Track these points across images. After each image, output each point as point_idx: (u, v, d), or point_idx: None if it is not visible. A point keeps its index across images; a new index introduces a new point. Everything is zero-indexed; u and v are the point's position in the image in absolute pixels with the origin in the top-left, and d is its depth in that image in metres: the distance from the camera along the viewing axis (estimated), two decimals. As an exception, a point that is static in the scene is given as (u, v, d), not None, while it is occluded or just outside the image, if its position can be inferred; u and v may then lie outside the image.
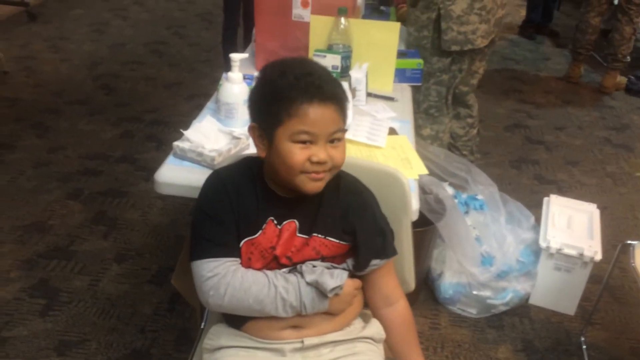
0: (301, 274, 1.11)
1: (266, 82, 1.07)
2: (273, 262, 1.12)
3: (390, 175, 1.26)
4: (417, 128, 2.41)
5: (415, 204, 1.32)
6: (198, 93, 3.79)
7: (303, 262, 1.12)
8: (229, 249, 1.09)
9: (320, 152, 1.03)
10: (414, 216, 1.32)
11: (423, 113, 2.42)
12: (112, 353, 1.89)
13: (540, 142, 3.53)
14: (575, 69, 4.47)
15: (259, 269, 1.11)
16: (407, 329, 1.22)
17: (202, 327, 1.39)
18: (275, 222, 1.11)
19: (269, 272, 1.10)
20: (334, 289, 1.10)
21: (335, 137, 1.05)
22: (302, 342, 1.13)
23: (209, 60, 4.41)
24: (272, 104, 1.04)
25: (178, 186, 1.38)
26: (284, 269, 1.13)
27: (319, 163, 1.04)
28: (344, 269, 1.16)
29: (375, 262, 1.15)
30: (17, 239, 2.39)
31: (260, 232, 1.10)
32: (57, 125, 3.33)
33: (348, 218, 1.14)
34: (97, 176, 2.86)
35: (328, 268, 1.13)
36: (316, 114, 1.02)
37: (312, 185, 1.06)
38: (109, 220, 2.54)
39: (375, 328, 1.21)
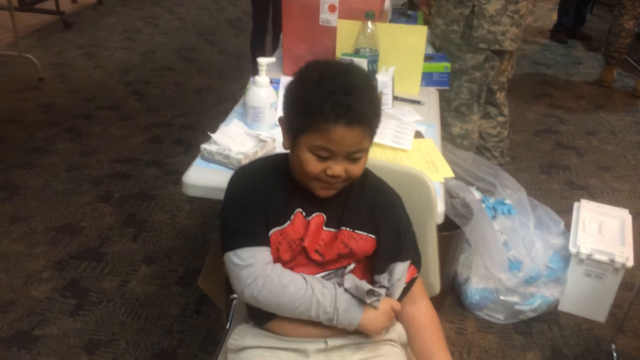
0: (339, 284, 1.11)
1: (301, 86, 1.06)
2: (301, 255, 1.12)
3: (416, 177, 1.26)
4: (446, 126, 2.41)
5: (440, 207, 1.32)
6: (227, 98, 3.84)
7: (335, 258, 1.13)
8: (260, 239, 1.10)
9: (336, 167, 1.05)
10: (440, 219, 1.32)
11: (453, 111, 2.41)
12: (139, 353, 1.92)
13: (571, 147, 3.47)
14: (608, 73, 4.38)
15: (287, 260, 1.12)
16: (434, 327, 1.21)
17: (227, 327, 1.40)
18: (304, 213, 1.12)
19: (307, 275, 1.11)
20: (371, 291, 1.08)
21: (356, 156, 1.06)
22: (326, 342, 1.13)
23: (238, 66, 4.46)
24: (300, 112, 1.04)
25: (205, 188, 1.40)
26: (322, 274, 1.13)
27: (333, 177, 1.05)
28: (381, 286, 1.15)
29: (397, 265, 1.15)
30: (50, 240, 2.45)
31: (288, 222, 1.11)
32: (90, 130, 3.40)
33: (374, 216, 1.15)
34: (127, 179, 2.92)
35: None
36: (339, 135, 1.01)
37: (324, 192, 1.09)
38: (138, 222, 2.59)
39: (399, 330, 1.21)
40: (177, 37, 5.08)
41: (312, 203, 1.12)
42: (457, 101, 2.40)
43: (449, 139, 2.44)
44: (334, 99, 1.00)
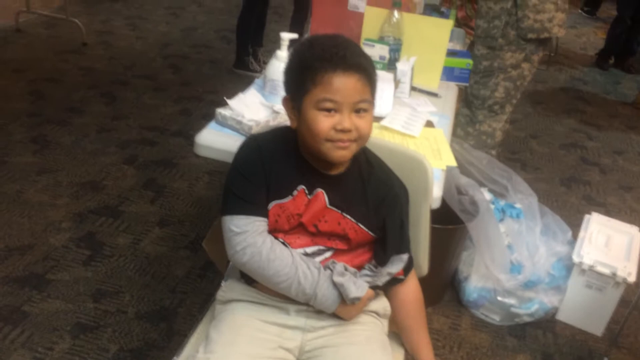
0: (330, 269, 1.15)
1: (296, 55, 1.12)
2: (299, 228, 1.16)
3: (414, 159, 1.29)
4: (477, 123, 2.46)
5: (437, 192, 1.35)
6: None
7: (329, 233, 1.16)
8: (258, 209, 1.13)
9: (344, 121, 1.06)
10: (435, 204, 1.35)
11: (487, 109, 2.43)
12: (142, 306, 2.00)
13: (596, 164, 3.43)
14: (645, 96, 4.31)
15: (285, 230, 1.16)
16: (417, 305, 1.25)
17: (222, 284, 1.46)
18: (307, 191, 1.15)
19: (295, 253, 1.14)
20: (354, 298, 1.14)
21: (361, 107, 1.08)
22: (307, 304, 1.17)
23: (273, 51, 4.51)
24: (299, 73, 1.09)
25: (216, 150, 1.46)
26: (312, 247, 1.17)
27: (343, 131, 1.07)
28: (368, 276, 1.19)
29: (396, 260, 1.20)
30: (72, 193, 2.56)
31: (290, 197, 1.14)
32: (124, 96, 3.52)
33: (380, 212, 1.18)
34: (152, 146, 3.01)
35: (355, 275, 1.17)
36: (340, 82, 1.05)
37: (338, 153, 1.09)
38: (157, 187, 2.68)
39: (381, 303, 1.25)
40: (219, 18, 5.18)
41: (316, 181, 1.15)
42: (492, 99, 2.41)
43: (475, 135, 2.49)
44: (327, 52, 1.06)
